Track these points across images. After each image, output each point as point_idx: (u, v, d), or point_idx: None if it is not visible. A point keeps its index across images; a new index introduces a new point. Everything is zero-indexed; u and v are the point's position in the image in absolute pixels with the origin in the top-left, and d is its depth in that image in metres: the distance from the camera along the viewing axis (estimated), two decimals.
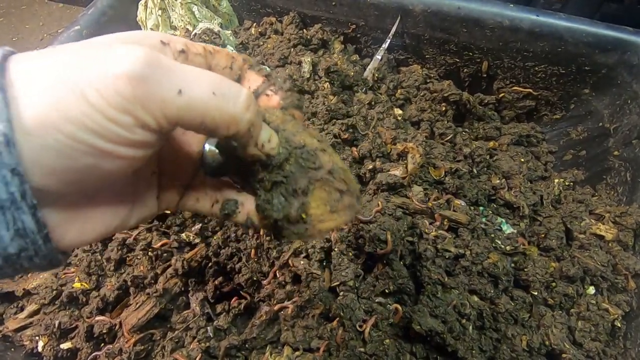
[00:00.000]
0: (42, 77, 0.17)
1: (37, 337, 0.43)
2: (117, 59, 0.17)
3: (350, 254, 0.41)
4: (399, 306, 0.41)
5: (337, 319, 0.38)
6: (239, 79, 0.27)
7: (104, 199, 0.23)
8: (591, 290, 0.44)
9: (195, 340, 0.37)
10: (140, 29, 0.68)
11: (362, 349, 0.37)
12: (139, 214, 0.25)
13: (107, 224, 0.23)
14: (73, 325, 0.44)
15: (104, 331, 0.41)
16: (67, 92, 0.17)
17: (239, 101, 0.20)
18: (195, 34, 0.55)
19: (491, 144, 0.62)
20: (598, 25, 0.55)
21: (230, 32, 0.63)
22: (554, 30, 0.55)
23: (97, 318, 0.42)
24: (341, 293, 0.40)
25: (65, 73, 0.17)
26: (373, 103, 0.58)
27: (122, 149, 0.19)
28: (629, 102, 0.54)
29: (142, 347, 0.37)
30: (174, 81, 0.18)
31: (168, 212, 0.45)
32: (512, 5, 0.57)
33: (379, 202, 0.41)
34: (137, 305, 0.39)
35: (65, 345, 0.42)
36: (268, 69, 0.27)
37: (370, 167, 0.46)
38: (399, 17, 0.63)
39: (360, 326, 0.38)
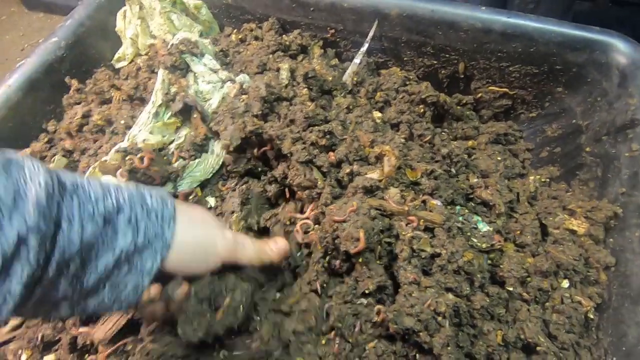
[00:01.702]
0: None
1: (20, 351, 0.43)
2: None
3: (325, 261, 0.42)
4: (381, 307, 0.42)
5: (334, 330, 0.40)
6: None
7: None
8: (565, 283, 0.46)
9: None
10: (119, 39, 0.68)
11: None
12: None
13: None
14: (56, 338, 0.44)
15: (87, 342, 0.41)
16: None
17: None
18: (173, 44, 0.56)
19: (470, 143, 0.63)
20: (567, 25, 0.56)
21: (208, 40, 0.64)
22: (525, 31, 0.57)
23: (80, 329, 0.42)
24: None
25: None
26: (351, 107, 0.59)
27: None
28: (599, 99, 0.56)
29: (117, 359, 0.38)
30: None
31: None
32: (483, 7, 0.59)
33: (353, 203, 0.42)
34: (105, 319, 0.39)
35: (49, 358, 0.42)
36: None
37: (348, 170, 0.47)
38: (376, 21, 0.64)
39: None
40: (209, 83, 0.54)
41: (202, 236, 0.35)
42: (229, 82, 0.55)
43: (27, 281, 0.23)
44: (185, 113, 0.52)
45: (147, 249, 0.29)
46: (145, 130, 0.51)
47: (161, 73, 0.54)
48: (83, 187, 0.28)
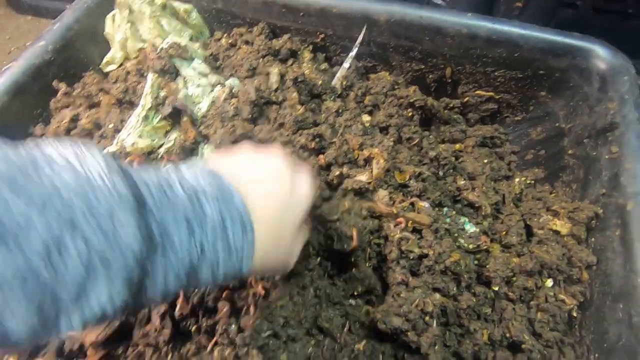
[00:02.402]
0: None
1: (6, 355, 0.43)
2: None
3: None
4: (370, 308, 0.43)
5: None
6: None
7: None
8: (549, 282, 0.47)
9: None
10: (108, 43, 0.68)
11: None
12: None
13: None
14: (44, 342, 0.43)
15: (75, 348, 0.41)
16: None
17: None
18: (162, 48, 0.56)
19: (457, 146, 0.65)
20: (549, 32, 0.58)
21: (198, 44, 0.64)
22: (509, 37, 0.58)
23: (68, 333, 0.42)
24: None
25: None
26: (341, 110, 0.59)
27: None
28: (581, 103, 0.57)
29: None
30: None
31: None
32: (469, 14, 0.60)
33: (345, 203, 0.43)
34: None
35: None
36: None
37: (337, 173, 0.47)
38: (365, 27, 0.65)
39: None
40: (199, 87, 0.54)
41: (276, 261, 0.34)
42: (219, 86, 0.55)
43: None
44: (175, 117, 0.53)
45: (221, 280, 0.29)
46: (134, 133, 0.51)
47: (150, 77, 0.54)
48: (168, 235, 0.24)
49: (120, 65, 0.67)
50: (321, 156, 0.50)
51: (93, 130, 0.59)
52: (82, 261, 0.20)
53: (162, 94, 0.52)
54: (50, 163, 0.21)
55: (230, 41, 0.70)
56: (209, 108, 0.53)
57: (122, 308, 0.23)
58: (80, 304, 0.20)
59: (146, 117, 0.52)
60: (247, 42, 0.70)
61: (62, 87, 0.63)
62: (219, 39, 0.72)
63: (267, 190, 0.31)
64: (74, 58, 0.65)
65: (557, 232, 0.50)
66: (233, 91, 0.53)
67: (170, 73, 0.54)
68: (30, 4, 1.30)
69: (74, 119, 0.61)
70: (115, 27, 0.66)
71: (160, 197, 0.25)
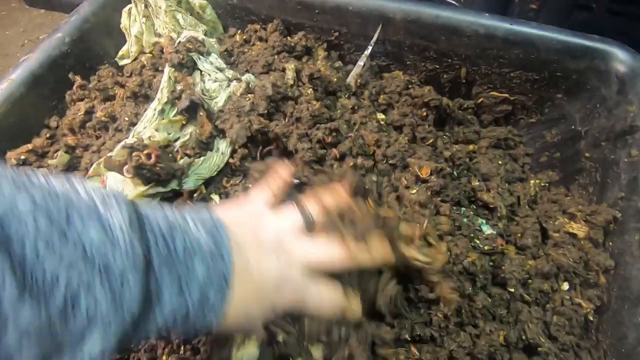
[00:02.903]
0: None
1: None
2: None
3: None
4: None
5: None
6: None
7: None
8: (565, 286, 0.46)
9: None
10: (124, 36, 0.68)
11: None
12: None
13: None
14: None
15: None
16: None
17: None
18: (180, 41, 0.56)
19: (471, 147, 0.64)
20: (567, 33, 0.57)
21: (214, 39, 0.64)
22: (527, 38, 0.58)
23: None
24: None
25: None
26: (356, 108, 0.59)
27: None
28: (598, 106, 0.57)
29: None
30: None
31: None
32: (487, 14, 0.60)
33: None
34: None
35: None
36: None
37: (352, 164, 0.47)
38: (380, 25, 0.65)
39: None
40: (215, 81, 0.54)
41: (254, 310, 0.31)
42: (235, 81, 0.55)
43: None
44: (191, 111, 0.52)
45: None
46: (150, 127, 0.51)
47: (167, 70, 0.54)
48: (161, 292, 0.25)
49: (135, 59, 0.67)
50: (334, 149, 0.49)
51: (108, 123, 0.60)
52: (88, 317, 0.22)
53: (179, 87, 0.52)
54: (80, 214, 0.23)
55: (244, 37, 0.70)
56: (225, 102, 0.53)
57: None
58: (74, 350, 0.22)
59: (162, 111, 0.52)
60: (261, 39, 0.70)
61: (78, 79, 0.63)
62: (233, 35, 0.72)
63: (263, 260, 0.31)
64: (90, 50, 0.66)
65: (573, 235, 0.50)
66: (250, 86, 0.53)
67: (187, 67, 0.54)
68: None
69: (89, 112, 0.62)
70: (131, 20, 0.67)
71: (164, 251, 0.26)
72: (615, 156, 0.51)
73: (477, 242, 0.46)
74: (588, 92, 0.58)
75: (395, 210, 0.43)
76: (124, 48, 0.69)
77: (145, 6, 0.67)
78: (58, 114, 0.63)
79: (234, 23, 0.74)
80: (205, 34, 0.69)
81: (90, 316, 0.22)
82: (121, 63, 0.69)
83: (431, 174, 0.48)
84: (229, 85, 0.55)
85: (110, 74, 0.65)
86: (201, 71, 0.55)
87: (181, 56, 0.53)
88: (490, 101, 0.68)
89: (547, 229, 0.52)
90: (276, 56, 0.64)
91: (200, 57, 0.55)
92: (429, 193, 0.46)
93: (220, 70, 0.56)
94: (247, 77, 0.57)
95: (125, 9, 0.68)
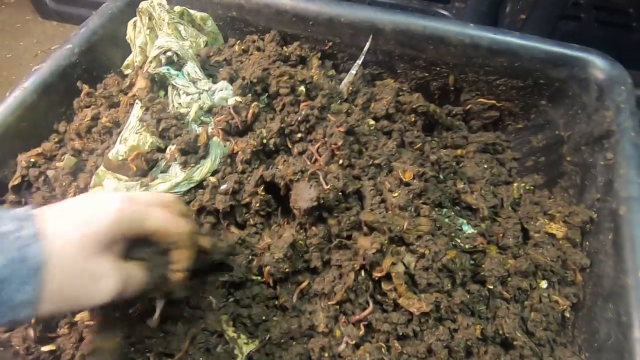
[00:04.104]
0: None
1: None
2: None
3: None
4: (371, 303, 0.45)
5: None
6: None
7: None
8: (543, 284, 0.48)
9: None
10: (130, 47, 0.72)
11: None
12: None
13: None
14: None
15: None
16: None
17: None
18: (153, 56, 0.59)
19: (458, 151, 0.67)
20: (549, 42, 0.60)
21: (188, 43, 0.67)
22: (510, 47, 0.61)
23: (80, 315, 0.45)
24: None
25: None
26: (350, 112, 0.62)
27: None
28: (579, 112, 0.59)
29: None
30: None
31: None
32: (472, 25, 0.63)
33: None
34: None
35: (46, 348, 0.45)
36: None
37: (340, 162, 0.50)
38: (371, 36, 0.68)
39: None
40: (188, 95, 0.57)
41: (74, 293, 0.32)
42: (205, 93, 0.58)
43: None
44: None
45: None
46: (133, 133, 0.54)
47: (141, 80, 0.58)
48: None
49: (140, 68, 0.71)
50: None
51: (112, 128, 0.63)
52: None
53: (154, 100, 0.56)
54: None
55: (243, 47, 0.74)
56: (195, 115, 0.56)
57: None
58: None
59: (142, 119, 0.55)
60: (258, 49, 0.73)
61: (85, 88, 0.67)
62: (232, 46, 0.76)
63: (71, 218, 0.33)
64: (98, 60, 0.70)
65: (552, 236, 0.51)
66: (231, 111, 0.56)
67: (158, 81, 0.58)
68: (55, 10, 1.37)
69: (95, 118, 0.65)
70: (136, 32, 0.71)
71: None
72: (593, 159, 0.53)
73: (458, 240, 0.48)
74: (570, 99, 0.61)
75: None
76: (129, 58, 0.73)
77: (150, 19, 0.71)
78: (66, 120, 0.67)
79: (233, 34, 0.78)
80: (205, 44, 0.73)
81: None
82: (127, 72, 0.73)
83: (414, 178, 0.50)
84: (199, 98, 0.58)
85: (116, 82, 0.69)
86: (174, 85, 0.59)
87: (153, 71, 0.56)
88: (479, 107, 0.70)
89: (528, 229, 0.54)
90: (272, 65, 0.67)
91: (172, 72, 0.59)
92: (410, 196, 0.48)
93: (194, 82, 0.59)
94: (221, 85, 0.59)
95: (131, 22, 0.72)
